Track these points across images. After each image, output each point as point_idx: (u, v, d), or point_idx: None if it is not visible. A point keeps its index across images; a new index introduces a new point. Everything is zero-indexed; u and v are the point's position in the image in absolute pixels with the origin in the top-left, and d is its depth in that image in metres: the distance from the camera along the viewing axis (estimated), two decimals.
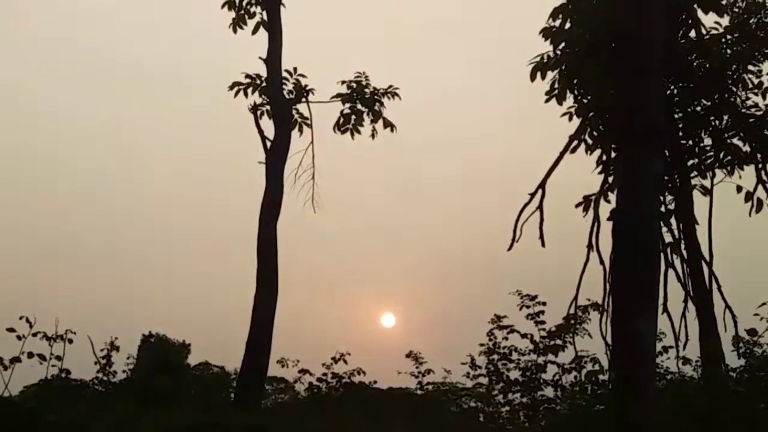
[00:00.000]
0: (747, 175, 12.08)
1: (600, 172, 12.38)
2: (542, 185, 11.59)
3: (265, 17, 15.68)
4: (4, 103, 52.02)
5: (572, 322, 12.44)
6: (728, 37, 12.40)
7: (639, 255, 8.02)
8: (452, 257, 45.28)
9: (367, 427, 10.96)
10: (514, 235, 11.41)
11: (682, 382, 12.21)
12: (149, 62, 54.56)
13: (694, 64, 12.40)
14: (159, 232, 51.45)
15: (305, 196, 15.69)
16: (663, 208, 11.88)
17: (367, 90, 15.90)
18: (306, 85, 15.72)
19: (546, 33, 12.52)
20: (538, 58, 12.52)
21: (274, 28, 15.51)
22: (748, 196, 11.79)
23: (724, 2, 12.41)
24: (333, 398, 14.05)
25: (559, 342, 12.61)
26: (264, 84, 15.52)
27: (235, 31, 15.95)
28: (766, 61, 12.23)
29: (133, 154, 53.95)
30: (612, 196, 11.87)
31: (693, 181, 12.48)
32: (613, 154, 12.06)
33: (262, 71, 15.50)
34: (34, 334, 9.47)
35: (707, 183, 12.45)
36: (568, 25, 12.35)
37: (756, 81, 12.26)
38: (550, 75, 12.57)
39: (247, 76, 15.60)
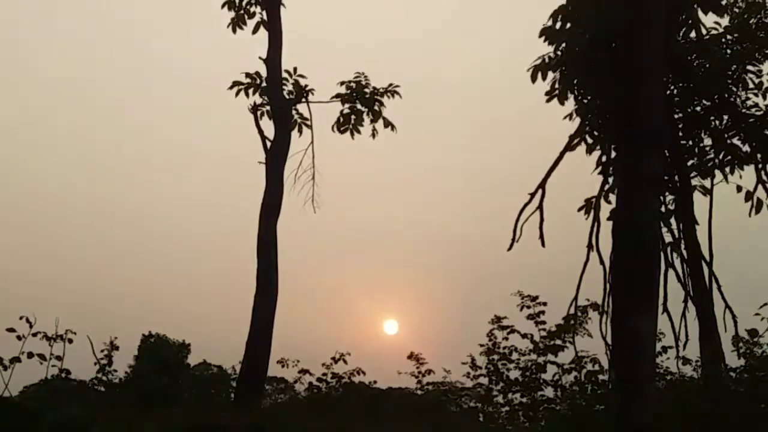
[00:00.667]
0: (747, 175, 12.11)
1: (600, 173, 12.40)
2: (542, 185, 11.61)
3: (265, 17, 15.67)
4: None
5: (572, 322, 12.44)
6: (728, 37, 12.40)
7: (639, 255, 8.01)
8: (453, 256, 45.27)
9: (367, 427, 10.95)
10: (514, 235, 11.44)
11: (682, 382, 12.20)
12: (149, 62, 54.58)
13: (694, 64, 12.40)
14: (159, 232, 51.47)
15: (305, 196, 15.70)
16: (663, 208, 11.89)
17: (366, 90, 15.88)
18: (306, 86, 15.72)
19: (546, 34, 12.53)
20: (539, 60, 12.54)
21: (274, 28, 15.50)
22: (748, 196, 11.80)
23: (723, 2, 12.42)
24: (333, 398, 14.05)
25: (559, 342, 12.61)
26: (264, 84, 15.52)
27: (234, 31, 15.93)
28: (766, 61, 12.24)
29: (133, 153, 53.95)
30: (612, 197, 11.88)
31: (693, 181, 12.49)
32: (613, 154, 12.07)
33: (262, 71, 15.50)
34: (34, 334, 9.47)
35: (707, 183, 12.48)
36: (568, 26, 12.36)
37: (756, 81, 12.27)
38: (550, 76, 12.59)
39: (248, 75, 15.59)
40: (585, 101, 12.69)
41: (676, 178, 12.43)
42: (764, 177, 11.88)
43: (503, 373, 12.78)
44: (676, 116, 12.47)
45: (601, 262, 11.67)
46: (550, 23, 12.53)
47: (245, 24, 15.90)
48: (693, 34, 12.31)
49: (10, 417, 8.70)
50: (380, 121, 15.95)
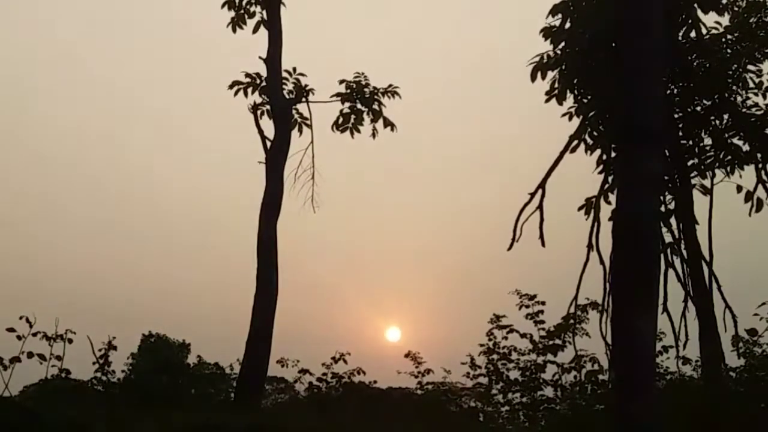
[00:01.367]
0: (747, 175, 12.10)
1: (600, 172, 12.39)
2: (542, 185, 11.60)
3: (265, 16, 15.66)
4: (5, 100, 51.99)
5: (571, 321, 12.45)
6: (728, 36, 12.40)
7: (639, 255, 8.00)
8: (454, 255, 45.26)
9: (367, 427, 10.95)
10: (514, 235, 11.42)
11: (682, 382, 12.21)
12: (149, 61, 54.57)
13: (694, 63, 12.40)
14: (159, 232, 51.48)
15: (305, 196, 15.70)
16: (663, 208, 11.88)
17: (366, 89, 15.88)
18: (306, 85, 15.72)
19: (546, 32, 12.53)
20: (537, 58, 12.53)
21: (274, 27, 15.49)
22: (748, 196, 11.79)
23: (724, 2, 12.41)
24: (333, 398, 14.05)
25: (558, 341, 12.61)
26: (264, 83, 15.51)
27: (234, 30, 15.91)
28: (766, 61, 12.23)
29: (133, 153, 53.94)
30: (612, 197, 11.87)
31: (693, 181, 12.49)
32: (613, 154, 12.06)
33: (262, 71, 15.50)
34: (34, 334, 9.46)
35: (707, 183, 12.47)
36: (568, 25, 12.35)
37: (756, 80, 12.27)
38: (550, 75, 12.58)
39: (247, 75, 15.59)
40: (585, 101, 12.68)
41: (676, 177, 12.43)
42: (764, 177, 11.87)
43: (503, 373, 12.79)
44: (676, 116, 12.46)
45: (601, 261, 11.67)
46: (549, 21, 12.54)
47: (245, 23, 15.89)
48: (693, 34, 12.30)
49: (9, 417, 8.69)
50: (380, 121, 15.95)
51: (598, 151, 12.53)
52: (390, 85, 15.97)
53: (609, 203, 11.92)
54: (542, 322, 12.82)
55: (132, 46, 56.40)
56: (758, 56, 12.20)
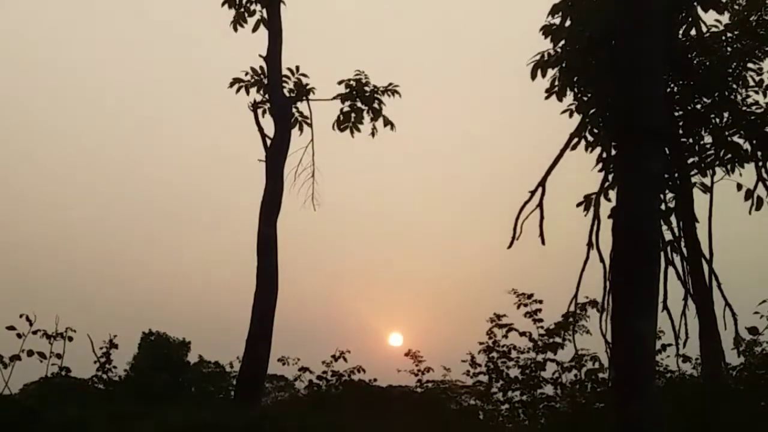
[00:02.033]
0: (747, 173, 12.09)
1: (600, 170, 12.37)
2: (542, 183, 11.58)
3: (265, 15, 15.66)
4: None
5: (570, 319, 12.45)
6: (728, 34, 12.38)
7: (639, 253, 8.00)
8: (453, 254, 45.29)
9: (367, 425, 10.95)
10: (514, 233, 11.40)
11: (682, 381, 12.21)
12: (149, 61, 54.53)
13: (695, 61, 12.38)
14: (159, 231, 51.49)
15: (305, 195, 15.70)
16: (663, 206, 11.87)
17: (366, 88, 15.88)
18: (307, 84, 15.72)
19: (546, 30, 12.52)
20: (538, 56, 12.52)
21: (274, 26, 15.47)
22: (749, 194, 11.77)
23: (723, 0, 12.40)
24: (333, 396, 14.06)
25: (558, 340, 12.62)
26: (265, 81, 15.52)
27: (235, 29, 15.90)
28: (766, 59, 12.22)
29: (132, 153, 53.93)
30: (612, 194, 11.86)
31: (693, 179, 12.47)
32: (613, 152, 12.04)
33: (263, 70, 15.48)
34: (34, 332, 9.49)
35: (707, 181, 12.46)
36: (568, 23, 12.34)
37: (756, 78, 12.24)
38: (550, 72, 12.58)
39: (251, 69, 15.61)
40: (585, 99, 12.67)
41: (676, 176, 12.42)
42: (764, 175, 11.85)
43: (503, 371, 12.80)
44: (676, 114, 12.45)
45: (601, 260, 11.65)
46: (549, 20, 12.52)
47: (245, 22, 15.88)
48: (693, 32, 12.29)
49: (10, 415, 8.70)
50: (380, 120, 15.96)
51: (598, 149, 12.53)
52: (390, 84, 15.99)
53: (609, 200, 11.91)
54: (540, 320, 12.84)
55: (132, 46, 56.38)
56: (758, 54, 12.18)
